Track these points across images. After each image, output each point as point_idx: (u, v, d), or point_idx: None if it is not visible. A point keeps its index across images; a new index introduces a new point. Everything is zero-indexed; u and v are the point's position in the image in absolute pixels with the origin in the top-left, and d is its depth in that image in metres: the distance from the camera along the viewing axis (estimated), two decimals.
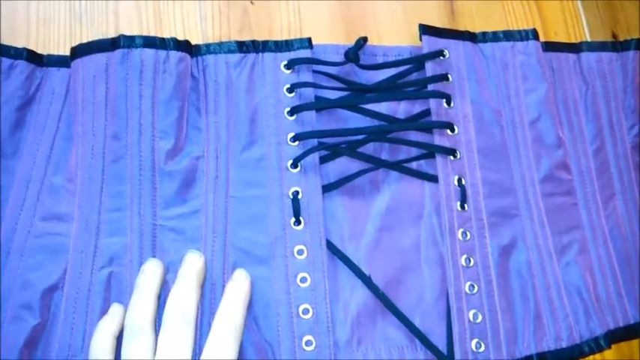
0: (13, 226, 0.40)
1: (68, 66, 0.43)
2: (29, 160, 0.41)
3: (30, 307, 0.38)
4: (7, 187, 0.40)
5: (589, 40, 0.52)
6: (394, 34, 0.49)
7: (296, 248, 0.41)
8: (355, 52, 0.44)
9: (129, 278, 0.40)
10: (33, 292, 0.39)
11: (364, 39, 0.45)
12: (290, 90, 0.44)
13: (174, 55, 0.42)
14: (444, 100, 0.45)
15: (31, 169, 0.41)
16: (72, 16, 0.46)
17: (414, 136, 0.45)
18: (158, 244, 0.41)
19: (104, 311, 0.39)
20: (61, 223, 0.41)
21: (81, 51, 0.42)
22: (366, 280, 0.42)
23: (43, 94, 0.42)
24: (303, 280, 0.41)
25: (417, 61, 0.45)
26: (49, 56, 0.43)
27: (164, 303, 0.37)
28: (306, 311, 0.40)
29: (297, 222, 0.42)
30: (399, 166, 0.45)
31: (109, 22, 0.46)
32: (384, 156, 0.45)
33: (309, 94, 0.44)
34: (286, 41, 0.45)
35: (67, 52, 0.43)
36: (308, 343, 0.40)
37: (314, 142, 0.43)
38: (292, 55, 0.44)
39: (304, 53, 0.44)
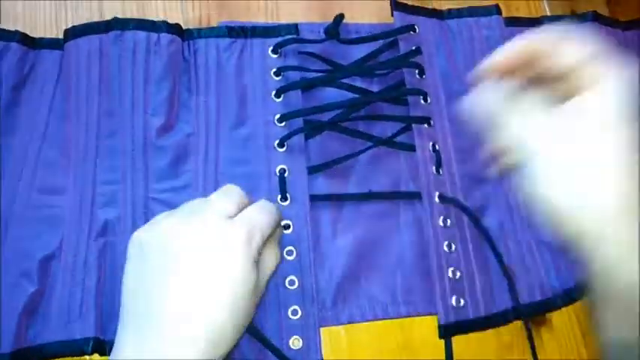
0: (11, 199, 0.41)
1: (59, 48, 0.45)
2: (25, 137, 0.43)
3: (28, 274, 0.40)
4: (4, 162, 0.42)
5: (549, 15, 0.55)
6: (365, 15, 0.51)
7: (283, 222, 0.43)
8: (335, 28, 0.47)
9: (122, 247, 0.41)
10: (31, 261, 0.40)
11: (341, 16, 0.47)
12: (277, 73, 0.46)
13: (165, 37, 0.44)
14: (417, 71, 0.48)
15: (27, 145, 0.43)
16: (57, 2, 0.47)
17: (391, 110, 0.48)
18: (150, 216, 0.42)
19: (100, 278, 0.40)
20: (56, 196, 0.42)
21: (75, 33, 0.44)
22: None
23: (37, 75, 0.44)
24: (290, 253, 0.42)
25: (392, 35, 0.48)
26: (41, 39, 0.45)
27: None
28: (292, 282, 0.42)
29: (284, 198, 0.44)
30: (376, 140, 0.47)
31: (93, 7, 0.47)
32: (364, 130, 0.47)
33: (295, 76, 0.46)
34: (274, 27, 0.47)
35: (53, 37, 0.45)
36: (294, 312, 0.41)
37: (299, 121, 0.45)
38: (279, 40, 0.47)
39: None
